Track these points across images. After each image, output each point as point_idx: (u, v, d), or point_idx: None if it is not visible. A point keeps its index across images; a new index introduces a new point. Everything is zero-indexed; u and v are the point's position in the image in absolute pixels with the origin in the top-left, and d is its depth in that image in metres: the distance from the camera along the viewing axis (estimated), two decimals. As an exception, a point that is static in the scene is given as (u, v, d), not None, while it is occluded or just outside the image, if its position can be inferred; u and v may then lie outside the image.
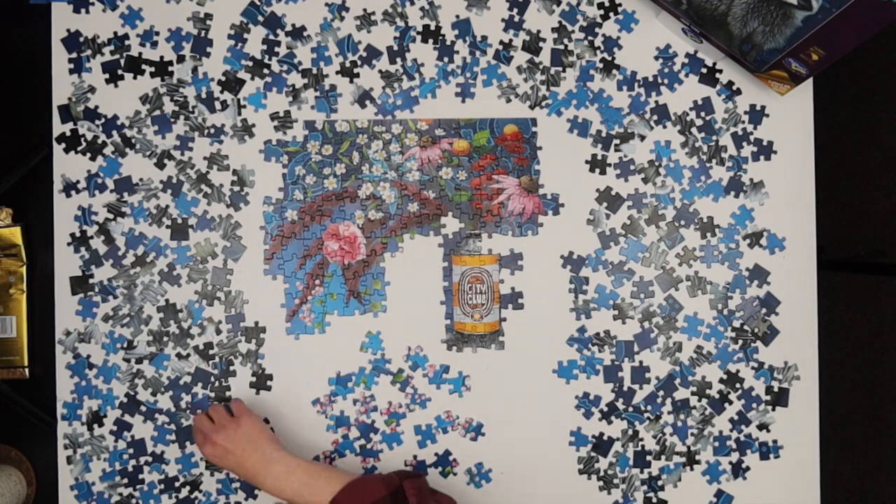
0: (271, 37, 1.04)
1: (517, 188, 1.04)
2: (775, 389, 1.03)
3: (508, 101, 1.04)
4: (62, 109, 1.03)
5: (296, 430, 1.03)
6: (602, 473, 1.03)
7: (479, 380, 1.03)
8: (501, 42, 1.04)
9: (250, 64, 1.04)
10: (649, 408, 1.03)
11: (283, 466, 0.89)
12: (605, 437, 1.03)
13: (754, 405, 1.03)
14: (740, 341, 1.03)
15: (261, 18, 1.04)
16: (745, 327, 1.03)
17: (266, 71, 1.04)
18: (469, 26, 1.04)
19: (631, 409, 1.03)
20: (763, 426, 1.03)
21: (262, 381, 1.03)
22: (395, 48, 1.04)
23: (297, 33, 1.04)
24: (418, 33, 1.04)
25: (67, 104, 1.03)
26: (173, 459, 1.03)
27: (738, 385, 1.03)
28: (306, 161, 1.04)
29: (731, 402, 1.03)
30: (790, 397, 1.03)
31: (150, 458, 1.03)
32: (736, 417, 1.03)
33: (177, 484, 1.03)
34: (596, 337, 1.03)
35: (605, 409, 1.03)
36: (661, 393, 1.03)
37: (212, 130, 1.04)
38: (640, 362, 1.03)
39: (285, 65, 1.04)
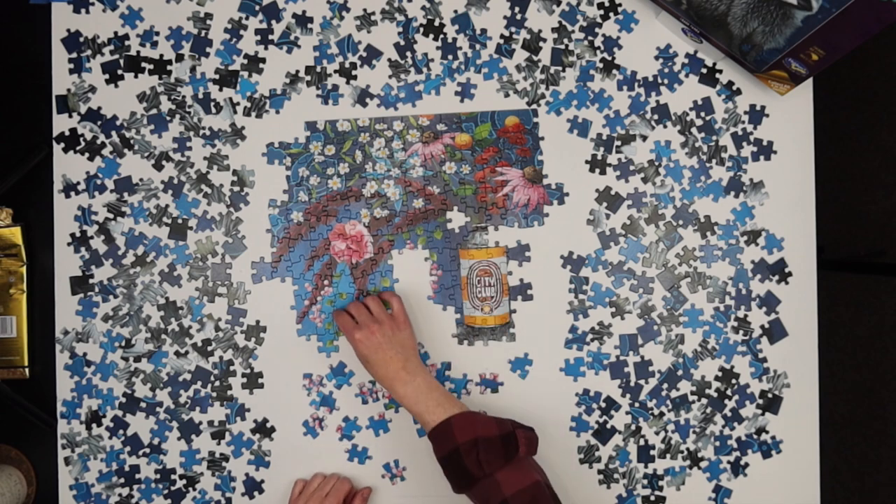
0: (273, 23, 1.04)
1: (521, 179, 1.04)
2: (769, 396, 1.03)
3: (507, 95, 1.04)
4: (59, 100, 1.03)
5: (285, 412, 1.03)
6: (603, 467, 1.03)
7: (480, 378, 1.04)
8: (502, 36, 1.04)
9: (245, 61, 1.04)
10: (654, 402, 1.03)
11: (424, 383, 0.92)
12: (607, 426, 1.03)
13: (748, 402, 1.03)
14: (741, 331, 1.03)
15: (258, 8, 1.04)
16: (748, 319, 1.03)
17: (262, 66, 1.04)
18: (469, 20, 1.04)
19: (637, 404, 1.03)
20: (760, 430, 1.03)
21: (254, 378, 1.03)
22: (402, 43, 1.04)
23: (301, 21, 1.04)
24: (421, 25, 1.04)
25: (66, 95, 1.03)
26: (177, 452, 1.03)
27: (733, 381, 1.03)
28: (309, 162, 1.04)
29: (728, 398, 1.03)
30: (781, 406, 1.03)
31: (147, 450, 1.03)
32: (730, 415, 1.03)
33: (173, 476, 1.03)
34: (592, 331, 1.03)
35: (604, 404, 1.03)
36: (664, 386, 1.03)
37: (207, 133, 1.04)
38: (643, 357, 1.03)
39: (284, 46, 1.04)
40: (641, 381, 1.03)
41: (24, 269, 1.04)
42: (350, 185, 1.04)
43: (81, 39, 1.04)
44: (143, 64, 1.04)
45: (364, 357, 0.94)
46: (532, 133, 1.04)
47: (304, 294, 1.03)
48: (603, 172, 1.04)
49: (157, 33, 1.04)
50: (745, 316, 1.03)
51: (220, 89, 1.04)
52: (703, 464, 1.03)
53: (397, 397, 0.92)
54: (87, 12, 1.04)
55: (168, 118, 1.04)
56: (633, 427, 1.03)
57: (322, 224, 1.04)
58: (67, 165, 1.04)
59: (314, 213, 1.04)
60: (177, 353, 1.03)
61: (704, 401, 1.03)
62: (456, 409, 0.89)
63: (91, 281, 1.03)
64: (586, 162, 1.04)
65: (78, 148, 1.04)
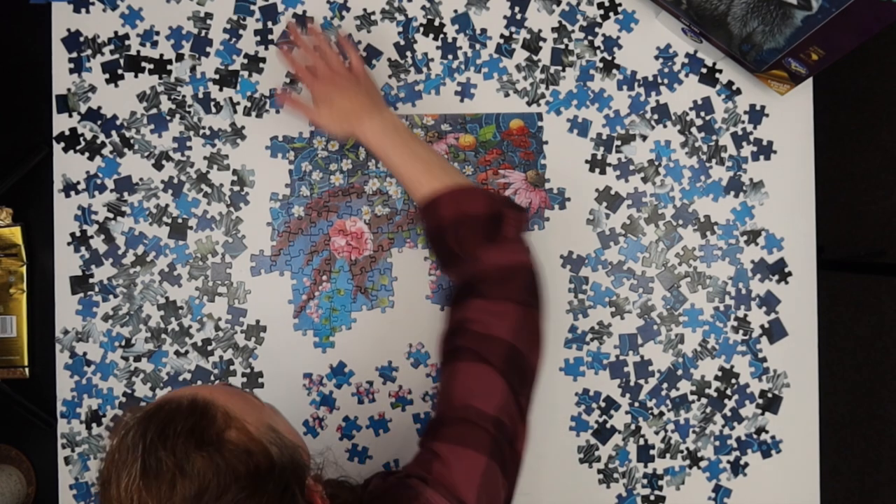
0: (269, 25, 1.04)
1: (523, 182, 1.04)
2: (769, 395, 1.03)
3: (507, 95, 1.04)
4: (59, 100, 1.03)
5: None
6: (603, 466, 1.03)
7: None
8: (502, 36, 1.04)
9: (246, 61, 1.04)
10: (654, 401, 1.03)
11: (393, 121, 0.85)
12: (607, 426, 1.03)
13: (747, 402, 1.03)
14: (741, 331, 1.03)
15: (255, 9, 1.04)
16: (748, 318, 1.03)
17: (262, 65, 1.04)
18: (469, 19, 1.04)
19: (637, 404, 1.03)
20: (760, 430, 1.03)
21: (254, 378, 1.03)
22: (402, 42, 1.04)
23: (301, 21, 1.04)
24: (421, 25, 1.04)
25: (66, 95, 1.03)
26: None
27: (733, 381, 1.03)
28: (313, 157, 1.04)
29: (728, 398, 1.03)
30: (781, 406, 1.03)
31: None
32: (729, 414, 1.03)
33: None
34: (591, 331, 1.03)
35: (604, 404, 1.03)
36: (664, 386, 1.03)
37: (207, 132, 1.04)
38: (642, 356, 1.03)
39: (284, 46, 1.03)
40: (641, 381, 1.03)
41: (24, 269, 1.04)
42: (352, 182, 1.04)
43: (81, 39, 1.04)
44: (143, 64, 1.04)
45: (324, 95, 0.89)
46: (536, 137, 1.04)
47: (301, 288, 1.04)
48: (603, 172, 1.04)
49: (158, 33, 1.04)
50: (745, 316, 1.03)
51: (220, 89, 1.04)
52: (703, 463, 1.03)
53: (361, 139, 0.87)
54: (87, 12, 1.04)
55: (168, 118, 1.04)
56: (633, 427, 1.03)
57: (323, 219, 1.04)
58: (67, 165, 1.04)
59: (315, 208, 1.04)
60: (177, 353, 1.03)
61: (704, 400, 1.03)
62: (440, 175, 0.84)
63: (91, 280, 1.03)
64: (586, 162, 1.04)
65: (78, 147, 1.04)
